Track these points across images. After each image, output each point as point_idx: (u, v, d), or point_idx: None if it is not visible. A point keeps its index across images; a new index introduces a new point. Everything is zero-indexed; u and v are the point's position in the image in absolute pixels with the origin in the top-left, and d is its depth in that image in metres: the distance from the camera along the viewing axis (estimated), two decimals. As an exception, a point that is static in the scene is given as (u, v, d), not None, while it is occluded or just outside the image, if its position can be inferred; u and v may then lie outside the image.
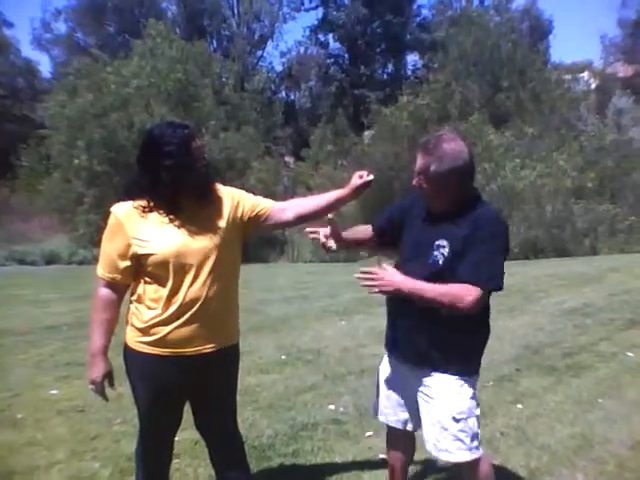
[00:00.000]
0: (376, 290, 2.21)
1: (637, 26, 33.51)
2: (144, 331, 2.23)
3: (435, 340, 2.32)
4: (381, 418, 2.64)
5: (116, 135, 19.12)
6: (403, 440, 2.67)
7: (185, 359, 2.24)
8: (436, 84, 23.46)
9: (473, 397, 2.37)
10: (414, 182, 2.35)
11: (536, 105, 23.55)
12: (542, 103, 23.65)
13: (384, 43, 37.00)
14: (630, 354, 5.34)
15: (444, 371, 2.33)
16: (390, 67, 38.81)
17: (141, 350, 2.25)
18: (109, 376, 2.33)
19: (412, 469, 2.97)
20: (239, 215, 2.37)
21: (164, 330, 2.21)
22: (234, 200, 2.37)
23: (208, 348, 2.27)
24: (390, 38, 36.31)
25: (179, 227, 2.22)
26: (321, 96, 35.99)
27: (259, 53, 37.11)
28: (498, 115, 23.07)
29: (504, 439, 3.57)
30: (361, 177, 2.49)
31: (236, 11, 35.78)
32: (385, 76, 38.28)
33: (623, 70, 34.01)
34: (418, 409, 2.48)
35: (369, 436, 3.62)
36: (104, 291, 2.27)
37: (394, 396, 2.57)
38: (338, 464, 3.29)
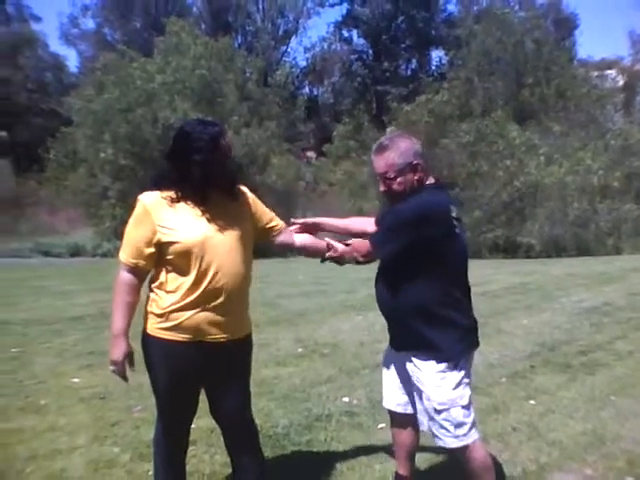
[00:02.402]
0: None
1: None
2: (163, 316, 2.31)
3: (405, 326, 2.48)
4: (385, 404, 2.78)
5: (141, 130, 19.37)
6: (407, 426, 2.75)
7: (202, 346, 2.32)
8: (457, 81, 23.32)
9: (457, 386, 2.42)
10: (381, 188, 2.51)
11: (562, 102, 23.31)
12: (567, 100, 23.40)
13: (408, 39, 36.87)
14: (646, 353, 5.33)
15: (426, 359, 2.44)
16: (414, 63, 38.65)
17: (159, 336, 2.33)
18: (130, 357, 2.39)
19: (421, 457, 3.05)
20: (256, 221, 2.50)
21: (183, 316, 2.28)
22: (254, 205, 2.51)
23: (224, 337, 2.35)
24: (415, 34, 36.20)
25: (206, 219, 2.31)
26: (344, 92, 35.97)
27: (283, 48, 37.26)
28: (522, 112, 22.87)
29: (515, 434, 3.61)
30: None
31: (261, 7, 35.97)
32: (409, 72, 38.13)
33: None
34: (404, 394, 2.66)
35: (381, 428, 3.68)
36: (126, 275, 2.34)
37: (394, 381, 2.70)
38: (350, 454, 3.35)
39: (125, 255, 2.34)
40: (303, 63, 38.73)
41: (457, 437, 2.43)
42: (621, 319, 6.71)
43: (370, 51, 37.65)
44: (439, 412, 2.42)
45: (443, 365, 2.42)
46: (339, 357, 5.41)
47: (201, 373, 2.41)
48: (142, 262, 2.32)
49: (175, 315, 2.29)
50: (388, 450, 3.30)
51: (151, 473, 3.10)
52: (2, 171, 25.25)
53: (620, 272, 10.55)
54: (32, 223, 21.25)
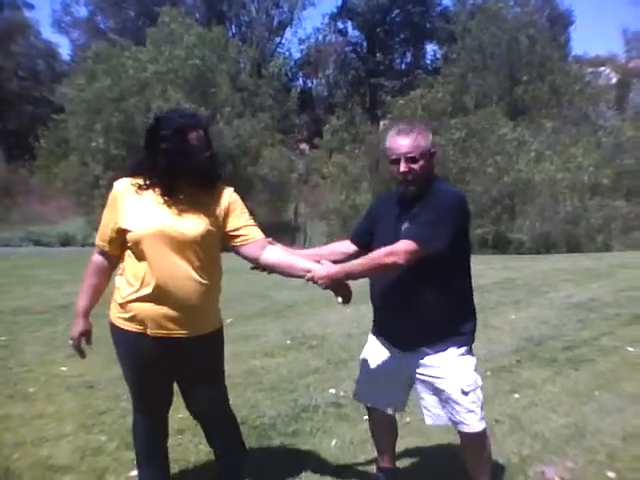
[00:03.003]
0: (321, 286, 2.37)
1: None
2: (122, 306, 2.34)
3: (429, 320, 2.45)
4: (367, 401, 2.79)
5: (133, 120, 19.31)
6: (389, 423, 2.82)
7: (162, 340, 2.31)
8: (451, 77, 23.35)
9: (475, 369, 2.52)
10: (403, 168, 2.45)
11: (555, 99, 23.38)
12: (561, 97, 23.47)
13: (403, 32, 36.82)
14: (631, 349, 5.39)
15: (445, 348, 2.47)
16: (409, 56, 38.62)
17: (120, 326, 2.37)
18: (87, 335, 2.49)
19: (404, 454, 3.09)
20: (224, 223, 2.40)
21: (138, 308, 2.30)
22: (230, 207, 2.41)
23: (184, 333, 2.32)
24: (410, 27, 36.15)
25: (168, 210, 2.29)
26: (338, 84, 35.91)
27: (277, 40, 37.10)
28: (515, 108, 22.93)
29: (498, 426, 3.65)
30: (344, 294, 2.44)
31: (256, -3, 35.73)
32: (403, 65, 38.11)
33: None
34: (407, 391, 2.65)
35: (366, 419, 3.70)
36: (96, 257, 2.44)
37: (384, 380, 2.67)
38: (336, 445, 3.39)
39: (97, 238, 2.43)
40: (297, 55, 38.67)
41: (482, 419, 2.49)
42: (608, 315, 6.78)
43: (365, 43, 37.59)
44: (467, 393, 2.45)
45: (463, 349, 2.50)
46: (327, 349, 5.44)
47: (164, 367, 2.41)
48: (107, 247, 2.39)
49: (132, 306, 2.31)
50: (371, 441, 3.34)
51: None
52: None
53: (608, 268, 10.63)
54: (23, 212, 21.14)
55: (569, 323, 6.42)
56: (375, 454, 3.01)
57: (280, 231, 20.99)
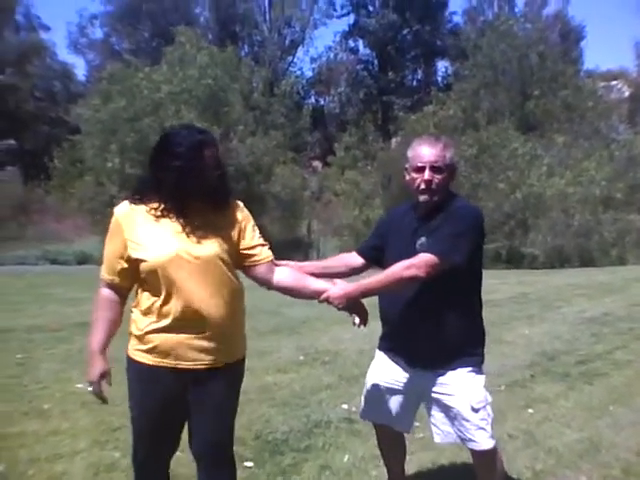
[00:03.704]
0: (337, 306, 2.31)
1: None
2: (140, 338, 2.16)
3: (442, 337, 2.44)
4: (374, 420, 2.77)
5: (148, 139, 19.50)
6: (396, 439, 2.81)
7: (180, 372, 2.14)
8: (462, 93, 23.43)
9: (485, 385, 2.52)
10: (428, 176, 2.43)
11: (567, 114, 23.36)
12: (573, 112, 23.45)
13: (414, 50, 37.06)
14: (645, 363, 5.37)
15: (457, 366, 2.46)
16: (420, 74, 38.82)
17: (138, 359, 2.18)
18: (106, 375, 2.23)
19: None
20: (239, 240, 2.25)
21: (158, 339, 2.13)
22: (245, 223, 2.27)
23: (205, 364, 2.16)
24: (420, 45, 36.37)
25: (182, 234, 2.12)
26: (350, 102, 36.12)
27: (289, 58, 37.47)
28: (527, 123, 22.93)
29: (511, 441, 3.64)
30: (360, 314, 2.41)
31: (268, 17, 36.17)
32: (414, 82, 38.30)
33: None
34: (414, 412, 2.66)
35: (379, 435, 3.72)
36: (105, 291, 2.22)
37: (391, 399, 2.65)
38: (348, 460, 3.40)
39: (103, 271, 2.21)
40: (309, 73, 38.99)
41: (492, 437, 2.48)
42: (621, 329, 6.74)
43: (376, 61, 37.85)
44: (477, 410, 2.44)
45: (474, 367, 2.50)
46: (339, 365, 5.46)
47: (182, 402, 2.21)
48: (117, 279, 2.18)
49: (150, 337, 2.14)
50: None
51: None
52: (10, 179, 25.47)
53: (622, 282, 10.57)
54: (39, 231, 21.38)
55: (582, 338, 6.39)
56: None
57: (293, 248, 21.07)
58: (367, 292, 2.36)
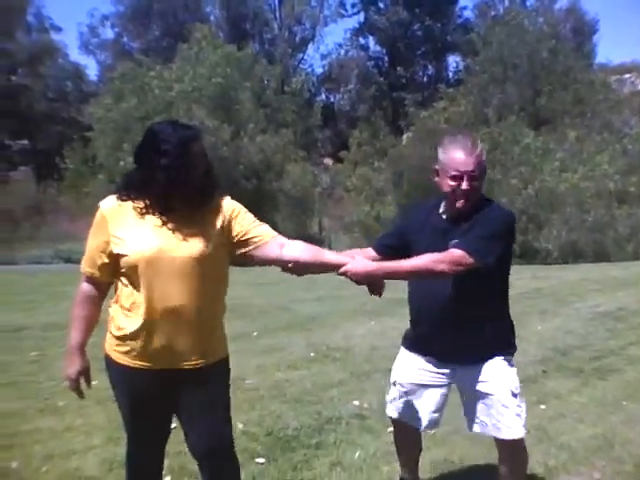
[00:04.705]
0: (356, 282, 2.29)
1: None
2: (120, 339, 2.12)
3: (478, 336, 2.46)
4: (402, 419, 2.72)
5: (159, 138, 19.63)
6: (414, 435, 2.80)
7: (161, 374, 2.12)
8: (473, 88, 23.33)
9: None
10: (466, 186, 2.38)
11: (579, 108, 23.17)
12: (585, 106, 23.25)
13: (424, 45, 36.93)
14: (659, 358, 5.32)
15: (493, 356, 2.48)
16: (430, 69, 38.68)
17: (116, 360, 2.15)
18: (85, 373, 2.25)
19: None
20: (230, 232, 2.17)
21: (138, 341, 2.09)
22: (232, 213, 2.19)
23: (188, 365, 2.13)
24: (430, 40, 36.25)
25: (165, 231, 2.07)
26: (360, 98, 36.07)
27: (300, 56, 37.47)
28: (538, 118, 22.78)
29: (524, 437, 3.63)
30: (377, 289, 2.37)
31: (278, 14, 36.20)
32: (425, 78, 38.16)
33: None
34: (442, 410, 2.66)
35: (390, 431, 3.69)
36: (85, 286, 2.20)
37: (426, 397, 2.64)
38: (359, 457, 3.40)
39: (83, 264, 2.18)
40: (320, 70, 38.99)
41: (524, 425, 2.50)
42: (635, 324, 6.68)
43: (386, 58, 37.77)
44: (516, 395, 2.47)
45: (508, 357, 2.53)
46: (350, 361, 5.46)
47: (165, 402, 2.19)
48: (97, 273, 2.14)
49: (130, 340, 2.10)
50: (395, 452, 3.35)
51: (163, 473, 3.19)
52: (24, 179, 25.67)
53: (636, 277, 10.46)
54: (52, 230, 21.51)
55: (596, 333, 6.35)
56: (398, 465, 3.01)
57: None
58: (390, 275, 2.32)
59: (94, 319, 2.23)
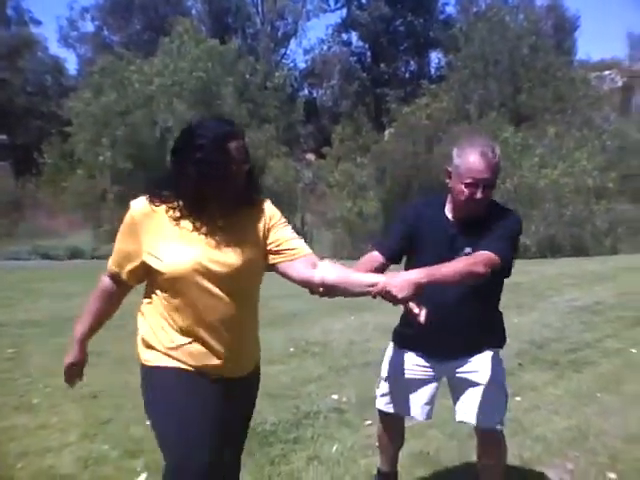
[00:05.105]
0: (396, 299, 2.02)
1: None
2: (172, 349, 1.95)
3: (476, 333, 2.49)
4: (397, 412, 2.71)
5: (139, 133, 19.47)
6: (400, 429, 2.83)
7: (205, 381, 1.96)
8: (455, 84, 23.45)
9: None
10: (480, 195, 2.33)
11: (559, 104, 23.38)
12: (565, 102, 23.46)
13: (407, 41, 36.98)
14: (634, 350, 5.41)
15: (484, 350, 2.52)
16: (413, 65, 38.75)
17: (170, 365, 1.95)
18: (79, 366, 2.19)
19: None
20: (266, 239, 2.04)
21: (190, 353, 1.93)
22: (271, 220, 2.06)
23: (231, 374, 2.01)
24: (413, 36, 36.29)
25: (203, 236, 1.91)
26: (343, 94, 36.05)
27: (282, 51, 37.36)
28: (518, 115, 22.95)
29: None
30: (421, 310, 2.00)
31: (260, 9, 36.02)
32: (407, 74, 38.22)
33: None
34: (434, 399, 2.67)
35: (368, 425, 3.73)
36: (106, 281, 2.07)
37: (420, 390, 2.64)
38: (337, 450, 3.41)
39: (110, 261, 2.04)
40: (302, 65, 38.89)
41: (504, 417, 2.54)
42: (611, 318, 6.78)
43: (369, 53, 37.77)
44: (503, 387, 2.53)
45: (499, 350, 2.60)
46: (329, 356, 5.47)
47: (211, 409, 1.98)
48: (124, 275, 2.00)
49: (175, 350, 1.94)
50: (373, 445, 3.36)
51: (140, 469, 3.18)
52: (2, 174, 25.32)
53: (612, 271, 10.63)
54: (31, 226, 21.28)
55: (572, 326, 6.43)
56: (376, 458, 3.03)
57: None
58: (436, 281, 2.12)
59: (106, 315, 2.13)
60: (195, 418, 1.91)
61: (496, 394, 2.49)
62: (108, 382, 4.58)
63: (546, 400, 4.20)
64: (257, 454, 3.34)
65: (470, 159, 2.32)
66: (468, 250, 2.36)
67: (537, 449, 3.42)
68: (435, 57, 38.88)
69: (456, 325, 2.44)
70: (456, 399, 2.61)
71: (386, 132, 26.23)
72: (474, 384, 2.51)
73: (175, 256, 1.88)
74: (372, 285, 1.97)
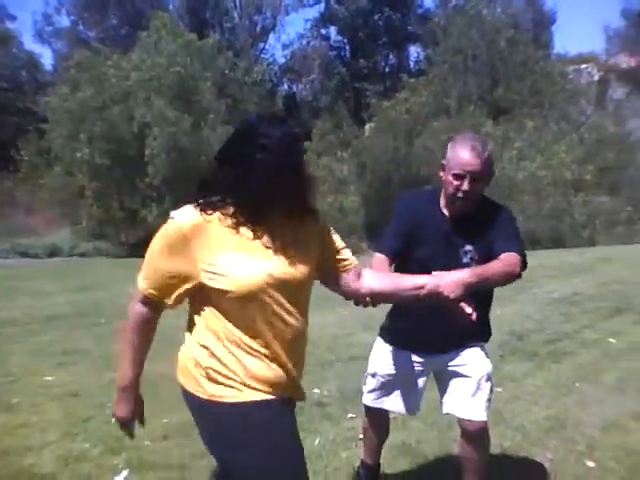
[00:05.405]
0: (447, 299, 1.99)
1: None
2: (239, 381, 1.71)
3: (469, 329, 2.38)
4: (386, 407, 2.73)
5: (117, 128, 19.27)
6: (385, 423, 2.85)
7: (287, 407, 1.81)
8: (434, 79, 23.55)
9: None
10: (467, 187, 2.34)
11: (537, 98, 23.59)
12: (543, 96, 23.67)
13: (385, 36, 36.98)
14: (612, 340, 5.49)
15: (472, 344, 2.54)
16: (392, 59, 38.79)
17: (246, 402, 1.71)
18: (140, 412, 1.91)
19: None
20: (322, 249, 1.88)
21: (265, 377, 1.72)
22: (324, 230, 1.90)
23: (299, 397, 1.91)
24: (391, 30, 36.28)
25: (268, 249, 1.71)
26: (323, 89, 36.01)
27: (261, 45, 37.18)
28: (497, 109, 23.12)
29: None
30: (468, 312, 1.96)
31: (238, 3, 35.77)
32: (387, 68, 38.25)
33: (626, 61, 33.88)
34: (423, 393, 2.70)
35: (350, 418, 3.76)
36: (141, 308, 1.75)
37: (408, 385, 2.66)
38: (319, 443, 3.43)
39: (145, 284, 1.72)
40: (281, 60, 38.72)
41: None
42: (590, 308, 6.88)
43: (348, 48, 37.73)
44: (490, 380, 2.53)
45: (483, 344, 2.60)
46: (312, 350, 5.45)
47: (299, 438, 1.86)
48: (162, 296, 1.72)
49: (250, 373, 1.71)
50: (354, 438, 3.39)
51: (121, 466, 3.17)
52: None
53: (590, 263, 10.77)
54: (8, 224, 21.00)
55: (552, 317, 6.51)
56: (358, 451, 3.05)
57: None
58: (483, 282, 2.09)
59: (149, 345, 1.82)
60: (300, 452, 1.80)
61: (484, 386, 2.52)
62: (89, 380, 4.55)
63: (526, 391, 4.25)
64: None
65: (460, 151, 2.36)
66: (469, 248, 2.39)
67: (517, 439, 3.47)
68: (414, 51, 38.97)
69: (446, 322, 2.34)
70: (444, 392, 2.63)
71: (366, 127, 26.25)
72: (464, 377, 2.54)
73: (242, 269, 1.65)
74: (420, 287, 1.91)
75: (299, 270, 1.73)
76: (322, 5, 37.46)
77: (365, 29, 35.87)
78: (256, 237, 1.69)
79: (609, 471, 3.08)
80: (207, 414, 1.75)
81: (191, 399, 1.76)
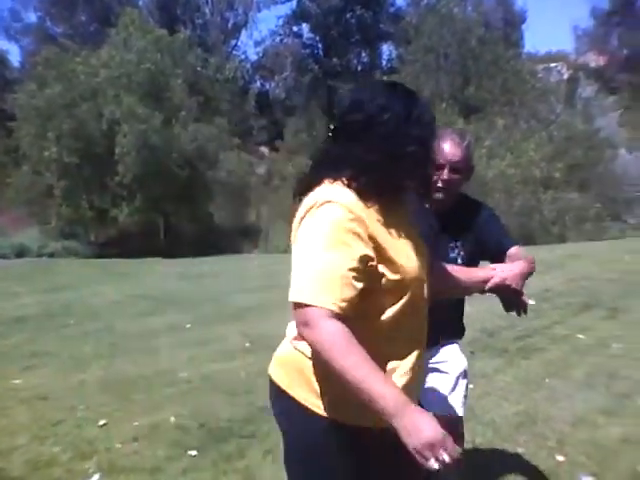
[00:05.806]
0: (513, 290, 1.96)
1: (610, 15, 33.89)
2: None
3: (451, 324, 2.52)
4: None
5: (86, 126, 19.00)
6: None
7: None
8: (406, 77, 23.67)
9: None
10: (446, 176, 2.34)
11: (507, 97, 23.86)
12: (513, 95, 23.96)
13: (357, 34, 37.04)
14: (581, 336, 5.56)
15: (451, 342, 2.54)
16: (365, 57, 38.87)
17: (349, 422, 1.45)
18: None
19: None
20: None
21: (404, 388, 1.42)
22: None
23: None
24: (363, 29, 36.35)
25: (407, 238, 1.50)
26: (295, 86, 35.94)
27: (233, 42, 36.95)
28: (468, 107, 23.33)
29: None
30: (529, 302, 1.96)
31: (209, -1, 35.50)
32: (360, 67, 38.32)
33: (595, 60, 34.46)
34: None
35: (324, 417, 3.76)
36: (335, 326, 1.30)
37: None
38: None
39: (325, 296, 1.32)
40: (254, 57, 38.54)
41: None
42: (559, 304, 6.97)
43: (320, 45, 37.70)
44: (466, 377, 2.54)
45: (459, 342, 2.61)
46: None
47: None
48: (348, 307, 1.33)
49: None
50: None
51: (92, 470, 3.12)
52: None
53: (560, 259, 10.91)
54: (-25, 224, 20.61)
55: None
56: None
57: (242, 234, 20.95)
58: (532, 272, 2.08)
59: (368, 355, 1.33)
60: None
61: (461, 383, 2.54)
62: (58, 383, 4.48)
63: (496, 386, 4.29)
64: (212, 451, 3.33)
65: (441, 144, 2.39)
66: (455, 243, 2.43)
67: (488, 434, 3.50)
68: (387, 50, 39.11)
69: (437, 316, 2.46)
70: (429, 388, 2.65)
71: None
72: (442, 373, 2.55)
73: (407, 259, 1.45)
74: (486, 280, 1.87)
75: (428, 264, 1.58)
76: (294, 2, 37.35)
77: (337, 27, 35.86)
78: (401, 224, 1.50)
79: (579, 465, 3.11)
80: (314, 435, 1.54)
81: None
